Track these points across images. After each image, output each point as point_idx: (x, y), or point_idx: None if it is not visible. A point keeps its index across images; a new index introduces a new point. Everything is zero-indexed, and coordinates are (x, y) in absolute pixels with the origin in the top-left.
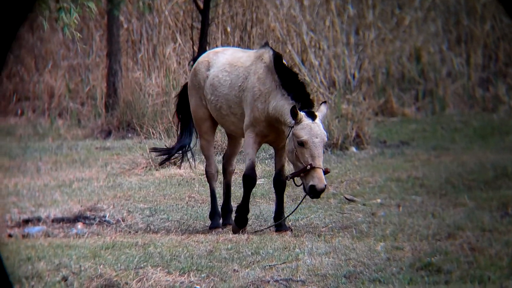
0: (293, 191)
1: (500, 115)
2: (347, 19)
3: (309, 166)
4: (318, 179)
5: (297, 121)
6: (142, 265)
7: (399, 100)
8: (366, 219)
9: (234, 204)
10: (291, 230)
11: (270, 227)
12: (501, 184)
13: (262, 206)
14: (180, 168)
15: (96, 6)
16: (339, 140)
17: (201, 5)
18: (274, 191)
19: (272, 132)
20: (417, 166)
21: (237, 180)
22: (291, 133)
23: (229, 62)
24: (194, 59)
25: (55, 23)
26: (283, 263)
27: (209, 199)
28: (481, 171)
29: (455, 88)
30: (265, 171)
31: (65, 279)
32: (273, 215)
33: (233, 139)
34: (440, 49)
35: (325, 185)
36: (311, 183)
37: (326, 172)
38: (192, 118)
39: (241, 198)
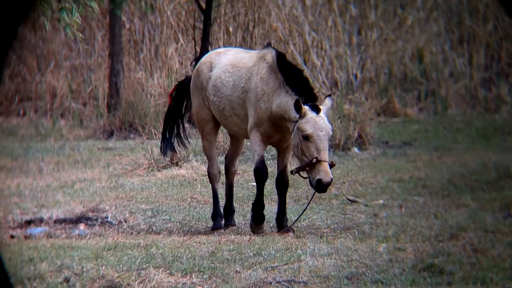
0: (295, 192)
1: (502, 115)
2: (349, 19)
3: (314, 159)
4: (324, 172)
5: (301, 115)
6: (144, 266)
7: (401, 100)
8: (368, 220)
9: (236, 205)
10: (293, 231)
11: (292, 224)
12: (504, 185)
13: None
14: (178, 164)
15: (98, 6)
16: (341, 141)
17: (203, 5)
18: (276, 192)
19: (276, 133)
20: (419, 166)
21: (239, 181)
22: (295, 127)
23: (231, 63)
24: (196, 59)
25: (57, 23)
26: (285, 264)
27: (211, 200)
28: (483, 171)
29: (458, 88)
30: None
31: (67, 280)
32: (275, 216)
33: (236, 140)
34: (442, 49)
35: (331, 179)
36: (317, 177)
37: (331, 165)
38: (194, 119)
39: (243, 199)
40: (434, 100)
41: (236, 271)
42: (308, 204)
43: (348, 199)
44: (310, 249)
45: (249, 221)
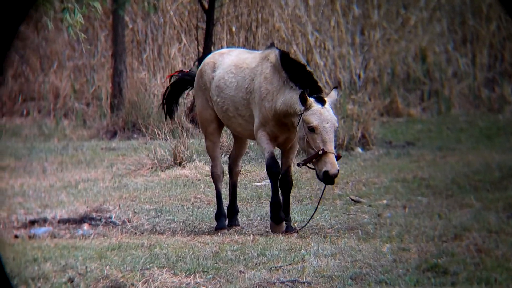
0: (299, 193)
1: (505, 115)
2: (352, 19)
3: (321, 151)
4: (331, 164)
5: (306, 106)
6: (148, 266)
7: (404, 100)
8: (372, 220)
9: (239, 205)
10: (297, 231)
11: (302, 228)
12: (508, 185)
13: (268, 207)
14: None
15: (101, 6)
16: (344, 141)
17: (206, 5)
18: (280, 191)
19: (282, 132)
20: (422, 166)
21: (242, 181)
22: (301, 120)
23: (234, 63)
24: (199, 59)
25: (60, 23)
26: (289, 264)
27: (215, 200)
28: (487, 171)
29: (461, 88)
30: None
31: (71, 280)
32: None
33: (239, 140)
34: (445, 49)
35: (338, 170)
36: (324, 168)
37: (338, 157)
38: (198, 119)
39: (246, 199)
40: (437, 100)
41: (240, 271)
42: (318, 204)
43: (352, 199)
44: (314, 249)
45: (269, 221)
